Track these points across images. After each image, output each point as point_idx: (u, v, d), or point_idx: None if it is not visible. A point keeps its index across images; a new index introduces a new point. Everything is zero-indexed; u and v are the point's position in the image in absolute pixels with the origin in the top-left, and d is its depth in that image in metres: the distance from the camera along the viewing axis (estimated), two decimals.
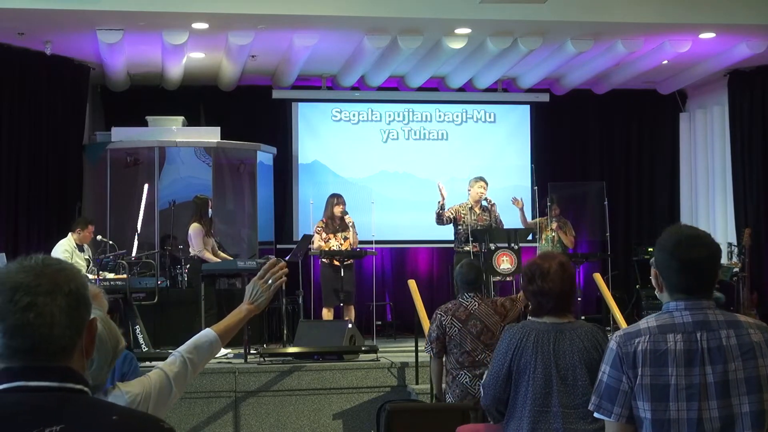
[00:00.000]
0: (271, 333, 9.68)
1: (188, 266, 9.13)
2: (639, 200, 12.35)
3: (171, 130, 10.32)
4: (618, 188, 12.07)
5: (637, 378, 2.42)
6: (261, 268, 2.80)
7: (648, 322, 2.49)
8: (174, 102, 10.88)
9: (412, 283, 8.18)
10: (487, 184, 9.38)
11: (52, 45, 9.14)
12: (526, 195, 10.89)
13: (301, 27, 9.03)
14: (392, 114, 11.63)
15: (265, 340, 9.38)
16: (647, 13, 8.99)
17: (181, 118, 10.44)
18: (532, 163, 11.44)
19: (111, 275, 8.60)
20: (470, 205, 9.33)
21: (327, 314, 9.29)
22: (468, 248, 9.02)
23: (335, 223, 9.30)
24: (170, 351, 2.67)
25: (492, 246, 8.85)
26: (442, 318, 5.57)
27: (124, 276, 8.51)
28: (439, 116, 11.74)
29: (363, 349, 8.20)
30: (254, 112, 11.44)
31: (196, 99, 11.32)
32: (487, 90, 11.57)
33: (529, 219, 10.20)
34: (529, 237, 9.85)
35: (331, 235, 9.26)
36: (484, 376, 3.61)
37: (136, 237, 9.54)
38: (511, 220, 9.81)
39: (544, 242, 10.20)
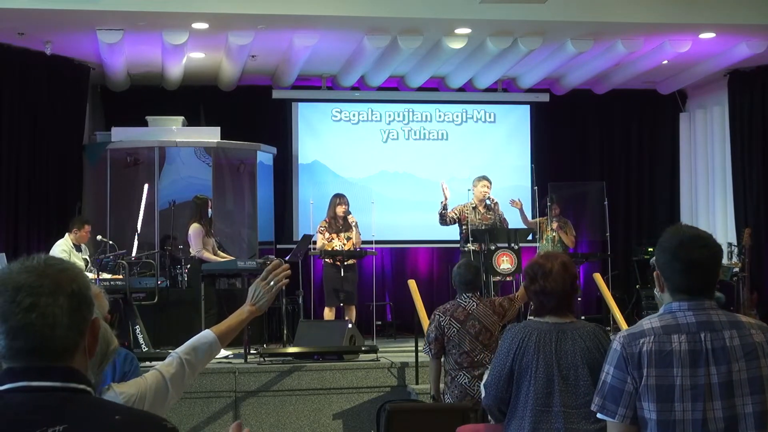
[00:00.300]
0: (271, 333, 9.68)
1: (188, 266, 9.13)
2: (639, 200, 12.35)
3: (171, 130, 10.32)
4: (618, 188, 12.07)
5: (642, 379, 2.42)
6: (261, 268, 2.80)
7: (651, 322, 2.49)
8: (174, 102, 10.88)
9: (412, 283, 8.18)
10: (490, 183, 9.38)
11: (52, 45, 9.14)
12: (526, 195, 10.90)
13: (301, 27, 9.02)
14: (392, 114, 11.63)
15: (265, 340, 9.38)
16: (647, 13, 8.99)
17: (181, 118, 10.44)
18: (532, 163, 11.45)
19: (108, 275, 8.59)
20: (474, 205, 9.32)
21: (328, 314, 9.30)
22: (473, 248, 9.02)
23: (338, 223, 9.31)
24: (170, 351, 2.66)
25: (492, 246, 8.84)
26: (441, 319, 5.56)
27: (121, 276, 8.51)
28: (439, 116, 11.73)
29: (363, 349, 8.19)
30: (254, 112, 11.44)
31: (196, 99, 11.32)
32: (487, 90, 11.57)
33: (529, 219, 10.20)
34: (529, 237, 9.85)
35: (334, 235, 9.26)
36: (485, 376, 3.60)
37: (136, 237, 9.54)
38: (513, 219, 9.81)
39: (544, 242, 10.19)
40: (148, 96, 11.05)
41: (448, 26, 9.08)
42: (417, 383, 7.71)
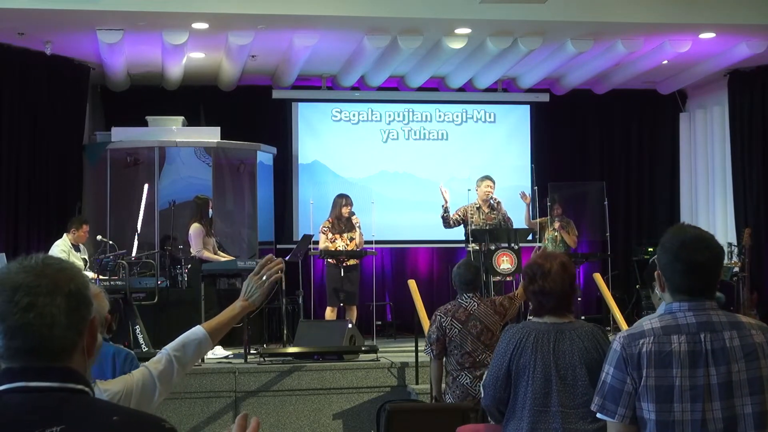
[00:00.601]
0: (271, 333, 9.68)
1: (188, 266, 9.13)
2: (639, 200, 12.35)
3: (171, 130, 10.32)
4: (618, 188, 12.07)
5: (641, 379, 2.42)
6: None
7: (651, 323, 2.49)
8: (174, 102, 10.88)
9: (412, 283, 8.18)
10: (494, 182, 9.37)
11: (52, 45, 9.14)
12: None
13: (301, 27, 9.02)
14: (392, 114, 11.63)
15: (265, 340, 9.38)
16: (647, 13, 8.98)
17: (181, 118, 10.43)
18: (532, 163, 11.45)
19: (104, 277, 8.58)
20: (478, 205, 9.31)
21: (330, 314, 9.30)
22: (477, 248, 9.02)
23: (342, 224, 9.30)
24: None
25: (492, 246, 8.84)
26: (442, 319, 5.56)
27: (117, 277, 8.51)
28: (439, 116, 11.73)
29: (363, 349, 8.19)
30: (254, 112, 11.44)
31: (196, 99, 11.32)
32: (487, 90, 11.57)
33: (531, 218, 10.19)
34: (530, 237, 9.84)
35: (337, 236, 9.25)
36: (485, 377, 3.60)
37: (136, 237, 9.53)
38: (517, 219, 9.78)
39: (546, 242, 10.19)
40: (148, 96, 11.04)
41: (448, 26, 9.08)
42: (417, 383, 7.71)
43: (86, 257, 8.96)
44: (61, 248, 8.58)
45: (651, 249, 11.00)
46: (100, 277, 8.44)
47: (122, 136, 10.23)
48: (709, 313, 2.47)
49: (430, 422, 5.42)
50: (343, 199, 9.36)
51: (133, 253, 9.35)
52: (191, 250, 8.93)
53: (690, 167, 12.27)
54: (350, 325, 8.33)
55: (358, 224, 9.38)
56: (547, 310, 3.47)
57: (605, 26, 9.15)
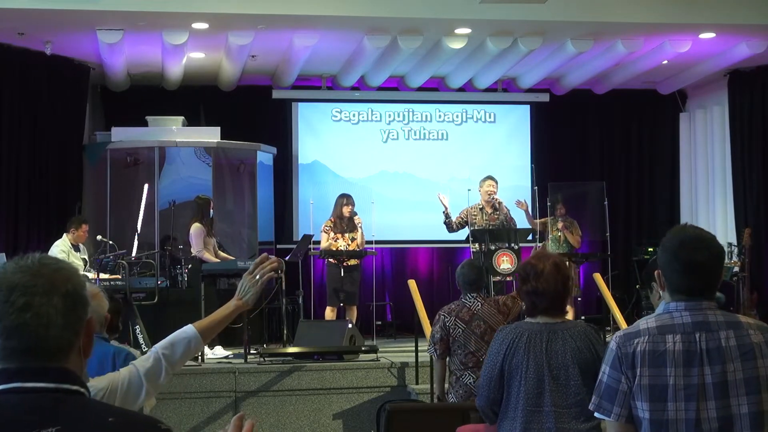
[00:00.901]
0: (271, 333, 9.69)
1: (188, 266, 9.13)
2: (639, 200, 12.35)
3: (171, 130, 10.32)
4: (618, 188, 12.06)
5: (635, 378, 2.42)
6: None
7: (648, 322, 2.49)
8: (174, 102, 10.88)
9: (412, 283, 8.18)
10: (496, 182, 9.37)
11: (52, 45, 9.14)
12: (527, 195, 10.87)
13: (301, 27, 9.02)
14: (392, 114, 11.63)
15: (265, 340, 9.39)
16: (647, 13, 8.98)
17: (181, 118, 10.44)
18: (532, 163, 11.44)
19: (105, 275, 8.59)
20: (481, 206, 9.31)
21: (330, 314, 9.30)
22: (478, 248, 9.01)
23: (343, 224, 9.30)
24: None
25: (492, 246, 8.84)
26: (446, 319, 5.56)
27: (118, 276, 8.51)
28: (439, 116, 11.73)
29: (363, 349, 8.19)
30: (254, 112, 11.44)
31: (196, 99, 11.32)
32: (487, 90, 11.57)
33: (533, 219, 10.18)
34: (530, 237, 9.84)
35: (339, 235, 9.25)
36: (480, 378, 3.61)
37: (136, 237, 9.53)
38: (519, 219, 9.79)
39: (550, 242, 10.19)
40: (148, 96, 11.04)
41: (448, 26, 9.08)
42: (417, 383, 7.71)
43: (86, 257, 8.96)
44: (60, 248, 8.59)
45: (651, 249, 11.00)
46: (100, 276, 8.44)
47: (122, 136, 10.24)
48: (706, 312, 2.47)
49: (430, 422, 5.42)
50: (344, 199, 9.36)
51: (133, 253, 9.34)
52: (192, 250, 8.92)
53: (690, 167, 12.27)
54: (350, 325, 8.33)
55: (360, 224, 9.38)
56: (540, 311, 3.47)
57: (605, 26, 9.15)
